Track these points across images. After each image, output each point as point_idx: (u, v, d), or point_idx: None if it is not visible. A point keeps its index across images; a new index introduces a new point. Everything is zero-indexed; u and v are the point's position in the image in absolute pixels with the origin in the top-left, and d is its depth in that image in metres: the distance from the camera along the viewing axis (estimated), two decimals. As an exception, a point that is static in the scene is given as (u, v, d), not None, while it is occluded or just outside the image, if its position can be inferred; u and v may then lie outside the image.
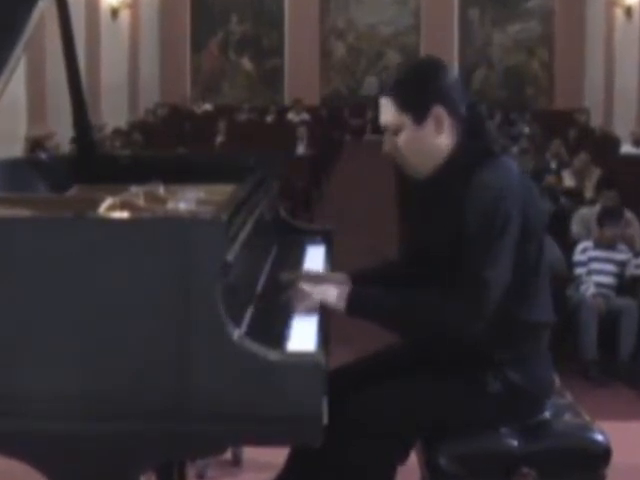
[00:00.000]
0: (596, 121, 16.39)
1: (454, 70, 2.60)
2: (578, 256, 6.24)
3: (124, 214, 2.57)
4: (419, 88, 2.50)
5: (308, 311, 2.45)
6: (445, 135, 2.51)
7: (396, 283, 2.64)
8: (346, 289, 2.49)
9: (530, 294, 2.50)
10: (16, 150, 10.07)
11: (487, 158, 2.47)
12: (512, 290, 2.43)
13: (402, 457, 2.56)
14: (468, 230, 2.39)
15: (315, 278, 2.62)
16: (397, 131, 2.52)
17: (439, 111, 2.49)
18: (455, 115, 2.50)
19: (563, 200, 8.03)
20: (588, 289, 6.04)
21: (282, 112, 16.69)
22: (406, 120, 2.50)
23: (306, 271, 2.83)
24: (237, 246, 2.32)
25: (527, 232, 2.44)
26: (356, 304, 2.47)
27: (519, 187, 2.45)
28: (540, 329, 2.55)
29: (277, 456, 2.72)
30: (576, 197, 8.42)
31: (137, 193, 2.94)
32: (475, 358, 2.48)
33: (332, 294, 2.48)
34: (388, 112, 2.53)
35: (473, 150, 2.50)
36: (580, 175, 9.58)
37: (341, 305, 2.47)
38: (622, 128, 14.37)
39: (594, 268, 6.16)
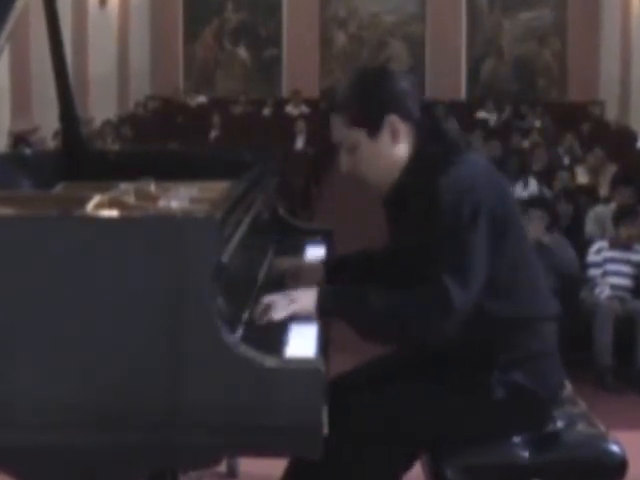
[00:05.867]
0: (611, 114, 16.37)
1: (402, 74, 2.60)
2: (592, 257, 6.23)
3: (113, 213, 2.57)
4: (369, 100, 2.53)
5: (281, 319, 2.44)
6: (402, 143, 2.53)
7: (374, 274, 2.71)
8: (314, 294, 2.48)
9: (520, 290, 2.52)
10: (-1, 145, 10.08)
11: (447, 157, 2.49)
12: (499, 287, 2.46)
13: (405, 467, 2.57)
14: (437, 230, 2.40)
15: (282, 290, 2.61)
16: (353, 148, 2.54)
17: (393, 120, 2.51)
18: (410, 121, 2.53)
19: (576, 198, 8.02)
20: (603, 292, 6.03)
21: (280, 105, 16.68)
22: (360, 135, 2.53)
23: (281, 262, 2.92)
24: (232, 246, 2.33)
25: (502, 226, 2.46)
26: (325, 307, 2.47)
27: (484, 183, 2.47)
28: (538, 324, 2.55)
29: (274, 468, 2.72)
30: (590, 194, 8.42)
31: (127, 190, 2.95)
32: (478, 362, 2.49)
33: (301, 301, 2.47)
34: (340, 130, 2.55)
35: (433, 153, 2.53)
36: (594, 171, 9.58)
37: (311, 309, 2.47)
38: (639, 122, 14.37)
39: (609, 269, 6.16)
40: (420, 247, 2.46)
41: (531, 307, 2.54)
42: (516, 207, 2.65)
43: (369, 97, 2.53)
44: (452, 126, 12.36)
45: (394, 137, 2.52)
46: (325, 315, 2.49)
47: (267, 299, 2.47)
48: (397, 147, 2.53)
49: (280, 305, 2.45)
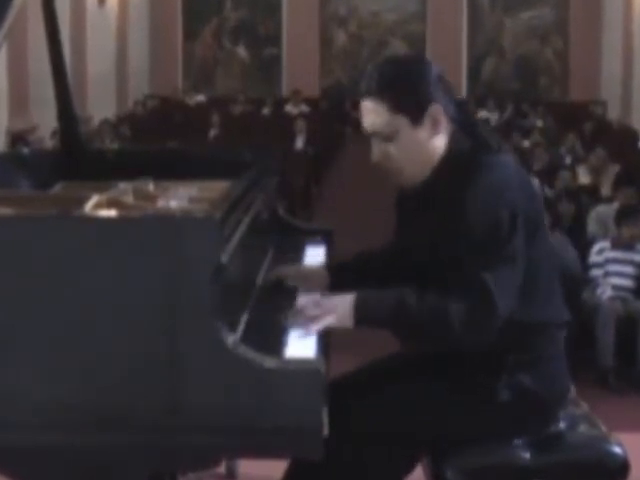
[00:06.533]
0: (613, 114, 16.38)
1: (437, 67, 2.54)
2: (594, 257, 6.23)
3: (112, 213, 2.57)
4: (413, 85, 2.45)
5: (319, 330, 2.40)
6: (440, 136, 2.47)
7: (375, 276, 2.68)
8: (350, 304, 2.41)
9: (538, 294, 2.49)
10: (-3, 144, 10.08)
11: (483, 158, 2.45)
12: (522, 293, 2.42)
13: (407, 469, 2.57)
14: (473, 237, 2.36)
15: (314, 298, 2.55)
16: (390, 137, 2.46)
17: (436, 109, 2.45)
18: (448, 114, 2.48)
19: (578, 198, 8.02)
20: (605, 292, 6.03)
21: (280, 104, 16.69)
22: (402, 122, 2.44)
23: (283, 268, 2.84)
24: (232, 246, 2.33)
25: (533, 229, 2.44)
26: (364, 318, 2.41)
27: (517, 187, 2.43)
28: (553, 329, 2.55)
29: (274, 469, 2.71)
30: (592, 194, 8.42)
31: (125, 190, 2.95)
32: (484, 364, 2.48)
33: (337, 312, 2.41)
34: (378, 116, 2.46)
35: (465, 151, 2.48)
36: (596, 171, 9.58)
37: (348, 321, 2.41)
38: (641, 121, 14.38)
39: (611, 270, 6.16)
40: (443, 247, 2.41)
41: (546, 311, 2.52)
42: (543, 210, 2.61)
43: (414, 83, 2.45)
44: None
45: (435, 127, 2.45)
46: (362, 326, 2.42)
47: (300, 306, 2.44)
48: (436, 138, 2.46)
49: (316, 317, 2.39)
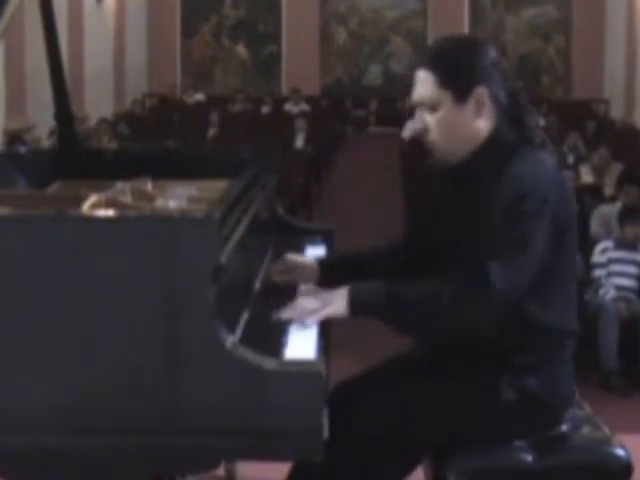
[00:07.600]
0: (616, 112, 16.38)
1: (498, 52, 2.58)
2: (597, 257, 6.23)
3: (109, 212, 2.57)
4: (464, 65, 2.49)
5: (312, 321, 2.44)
6: (484, 119, 2.50)
7: (373, 272, 2.70)
8: (345, 295, 2.45)
9: (558, 299, 2.50)
10: (-7, 144, 10.07)
11: (523, 149, 2.47)
12: (540, 293, 2.44)
13: (407, 470, 2.57)
14: (494, 224, 2.37)
15: (311, 290, 2.62)
16: (434, 108, 2.50)
17: (482, 92, 2.48)
18: (496, 100, 2.50)
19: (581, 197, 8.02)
20: (608, 293, 6.03)
21: (279, 103, 16.69)
22: (446, 98, 2.48)
23: (281, 261, 2.85)
24: (231, 247, 2.33)
25: (558, 233, 2.44)
26: (359, 308, 2.45)
27: (553, 184, 2.44)
28: (566, 337, 2.55)
29: (274, 472, 2.71)
30: (595, 194, 8.42)
31: (123, 190, 2.95)
32: (491, 362, 2.48)
33: (333, 303, 2.45)
34: (426, 86, 2.50)
35: (510, 139, 2.50)
36: (599, 170, 9.58)
37: (343, 311, 2.45)
38: (644, 120, 14.37)
39: (614, 270, 6.15)
40: (466, 230, 2.44)
41: (562, 317, 2.52)
42: (575, 214, 2.62)
43: (466, 62, 2.49)
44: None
45: (478, 110, 2.48)
46: (358, 315, 2.46)
47: (297, 301, 2.47)
48: (477, 122, 2.49)
49: (312, 308, 2.43)
